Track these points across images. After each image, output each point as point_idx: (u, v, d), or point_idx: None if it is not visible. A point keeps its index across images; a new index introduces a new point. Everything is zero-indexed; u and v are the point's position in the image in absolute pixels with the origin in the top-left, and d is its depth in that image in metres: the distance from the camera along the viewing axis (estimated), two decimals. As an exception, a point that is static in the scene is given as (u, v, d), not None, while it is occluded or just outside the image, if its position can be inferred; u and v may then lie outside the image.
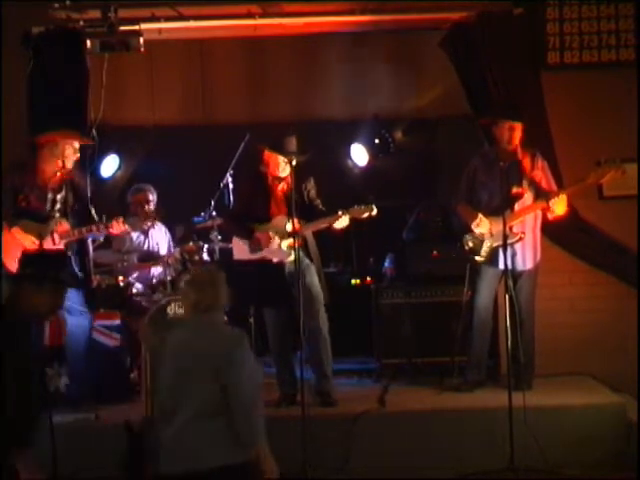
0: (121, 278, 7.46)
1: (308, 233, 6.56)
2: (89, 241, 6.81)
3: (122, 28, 7.00)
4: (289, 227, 6.31)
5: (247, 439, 4.17)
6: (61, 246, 6.54)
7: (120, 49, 7.03)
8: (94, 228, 6.57)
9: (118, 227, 6.56)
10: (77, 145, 6.64)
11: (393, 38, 8.52)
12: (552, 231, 7.18)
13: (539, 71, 7.26)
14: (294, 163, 6.24)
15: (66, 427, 5.96)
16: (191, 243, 7.65)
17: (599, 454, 6.02)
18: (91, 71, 7.24)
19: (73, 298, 6.46)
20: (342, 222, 6.40)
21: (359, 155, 8.94)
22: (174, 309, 7.23)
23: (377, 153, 8.93)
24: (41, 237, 6.46)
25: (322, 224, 6.51)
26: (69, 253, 6.58)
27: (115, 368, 6.91)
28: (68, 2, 7.04)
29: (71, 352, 6.53)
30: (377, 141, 8.88)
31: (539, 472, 5.74)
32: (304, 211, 6.47)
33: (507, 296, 5.97)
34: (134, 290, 7.51)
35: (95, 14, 7.06)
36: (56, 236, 6.48)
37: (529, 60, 7.26)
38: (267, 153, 6.58)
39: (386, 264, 8.06)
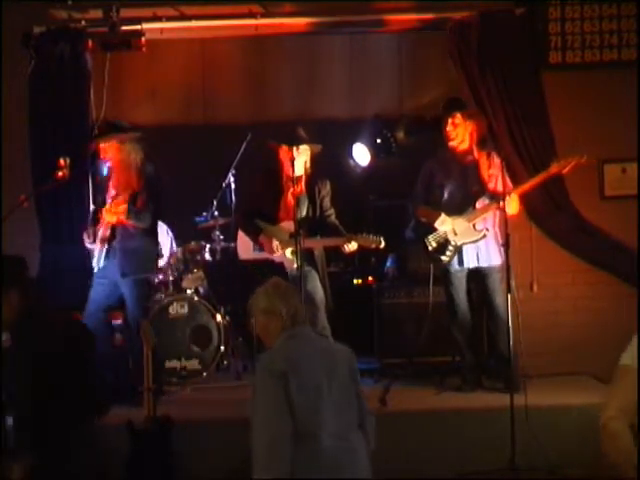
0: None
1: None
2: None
3: (124, 28, 7.02)
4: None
5: (372, 447, 4.10)
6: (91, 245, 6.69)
7: (122, 49, 7.05)
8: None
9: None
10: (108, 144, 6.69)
11: (395, 37, 8.53)
12: (554, 231, 7.20)
13: (541, 71, 7.25)
14: (308, 153, 6.26)
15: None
16: (193, 243, 7.66)
17: (599, 454, 6.01)
18: (92, 71, 7.26)
19: None
20: (351, 247, 6.39)
21: (361, 155, 8.93)
22: (176, 309, 7.27)
23: (379, 153, 8.92)
24: None
25: (329, 243, 6.50)
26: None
27: (117, 368, 6.91)
28: (70, 2, 7.05)
29: None
30: (379, 141, 8.87)
31: (539, 472, 5.74)
32: (313, 223, 6.46)
33: (509, 296, 5.95)
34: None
35: (97, 14, 7.10)
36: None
37: (531, 60, 7.25)
38: (281, 150, 6.52)
39: (388, 264, 8.05)
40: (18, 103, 7.12)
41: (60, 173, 6.59)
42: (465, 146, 6.63)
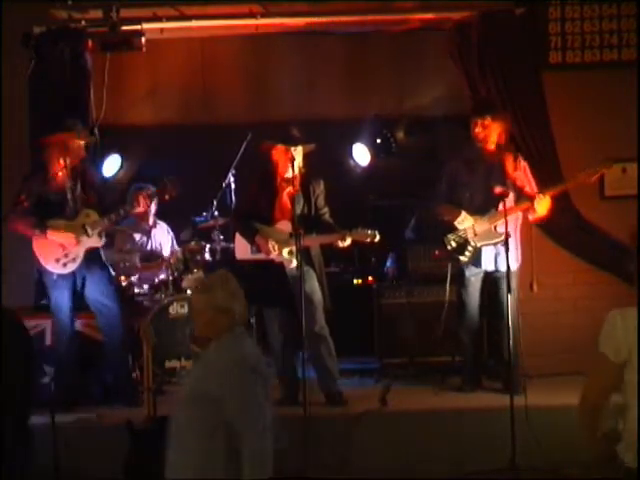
0: (123, 278, 7.47)
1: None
2: None
3: (124, 28, 7.03)
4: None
5: None
6: (98, 243, 6.65)
7: (122, 49, 7.06)
8: (121, 212, 6.64)
9: (144, 203, 6.71)
10: (81, 143, 6.66)
11: (395, 37, 8.52)
12: (554, 231, 7.19)
13: (541, 71, 7.26)
14: (301, 153, 6.28)
15: (68, 427, 5.97)
16: (193, 243, 7.66)
17: (599, 454, 6.02)
18: (93, 71, 7.26)
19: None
20: (344, 242, 6.41)
21: (361, 155, 8.93)
22: (176, 309, 7.27)
23: (379, 153, 8.93)
24: (76, 232, 6.55)
25: (324, 240, 6.51)
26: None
27: (116, 368, 6.90)
28: (70, 2, 7.05)
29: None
30: (379, 141, 8.88)
31: (539, 472, 5.74)
32: (309, 221, 6.46)
33: (509, 296, 5.94)
34: (136, 290, 7.51)
35: (97, 14, 7.10)
36: (88, 228, 6.56)
37: (531, 60, 7.27)
38: (275, 151, 6.54)
39: (388, 264, 8.05)
40: (18, 103, 7.12)
41: (60, 173, 6.59)
42: (492, 147, 6.62)
